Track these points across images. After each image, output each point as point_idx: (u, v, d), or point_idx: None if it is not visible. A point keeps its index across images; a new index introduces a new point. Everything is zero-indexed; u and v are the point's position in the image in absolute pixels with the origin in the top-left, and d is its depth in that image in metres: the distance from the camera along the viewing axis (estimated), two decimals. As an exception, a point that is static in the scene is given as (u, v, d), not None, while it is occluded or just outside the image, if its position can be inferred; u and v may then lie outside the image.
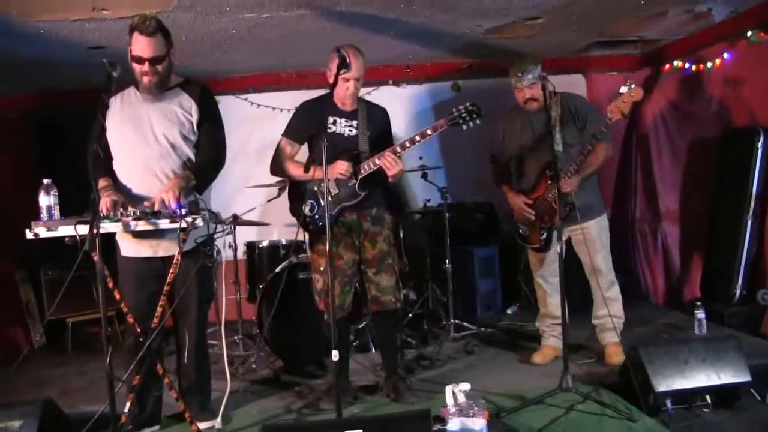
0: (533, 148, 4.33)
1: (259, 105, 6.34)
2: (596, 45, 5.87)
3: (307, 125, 3.87)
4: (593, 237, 4.32)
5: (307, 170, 3.36)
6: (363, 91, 6.18)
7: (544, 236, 4.33)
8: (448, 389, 3.19)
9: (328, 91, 3.74)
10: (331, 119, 3.84)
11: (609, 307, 4.31)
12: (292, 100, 6.37)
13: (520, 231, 4.49)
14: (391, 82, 6.41)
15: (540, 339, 4.66)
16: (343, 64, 3.47)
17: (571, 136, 4.25)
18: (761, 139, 4.88)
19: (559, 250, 3.76)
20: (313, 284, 3.94)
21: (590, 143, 4.06)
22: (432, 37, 5.17)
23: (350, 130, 3.83)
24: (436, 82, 6.50)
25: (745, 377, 3.44)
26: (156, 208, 3.08)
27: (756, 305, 4.73)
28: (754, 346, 4.15)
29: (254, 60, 5.59)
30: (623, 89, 3.93)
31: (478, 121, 3.70)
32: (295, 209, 3.90)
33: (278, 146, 3.91)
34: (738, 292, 4.94)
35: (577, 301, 4.54)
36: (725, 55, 5.21)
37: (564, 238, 4.33)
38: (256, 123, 6.23)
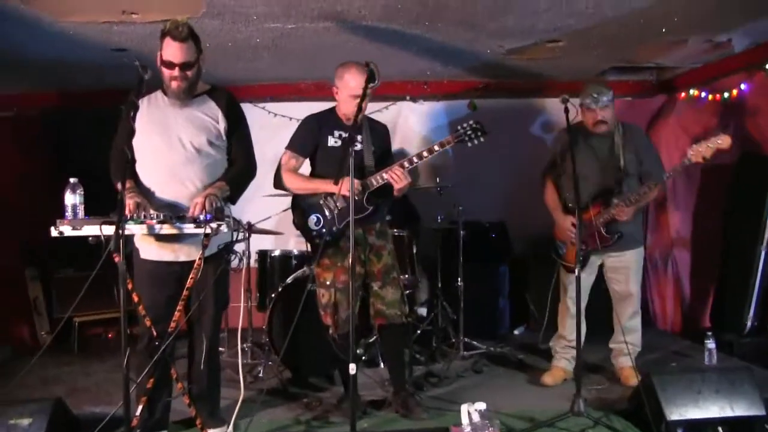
0: (592, 170, 4.35)
1: (276, 114, 6.36)
2: (612, 70, 5.89)
3: (311, 139, 3.90)
4: (632, 266, 4.40)
5: (337, 183, 3.36)
6: (380, 105, 6.30)
7: (581, 258, 4.34)
8: (464, 408, 3.19)
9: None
10: (336, 133, 3.86)
11: (629, 336, 4.34)
12: (309, 110, 6.26)
13: (558, 248, 4.51)
14: (408, 97, 6.43)
15: (551, 359, 4.66)
16: (372, 78, 3.47)
17: (631, 165, 4.31)
18: (776, 169, 4.90)
19: (577, 273, 3.79)
20: (318, 298, 3.93)
21: (659, 180, 4.19)
22: (452, 54, 5.19)
23: (355, 145, 3.83)
24: (453, 100, 6.52)
25: (759, 410, 3.41)
26: (195, 214, 3.10)
27: (768, 337, 4.72)
28: (766, 379, 4.11)
29: (275, 70, 5.62)
30: (712, 136, 3.99)
31: (482, 139, 3.77)
32: (298, 222, 3.91)
33: (282, 159, 3.94)
34: (749, 323, 4.94)
35: (594, 327, 4.57)
36: (742, 86, 5.24)
37: (599, 263, 4.40)
38: (272, 132, 6.21)
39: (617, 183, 4.28)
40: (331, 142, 3.86)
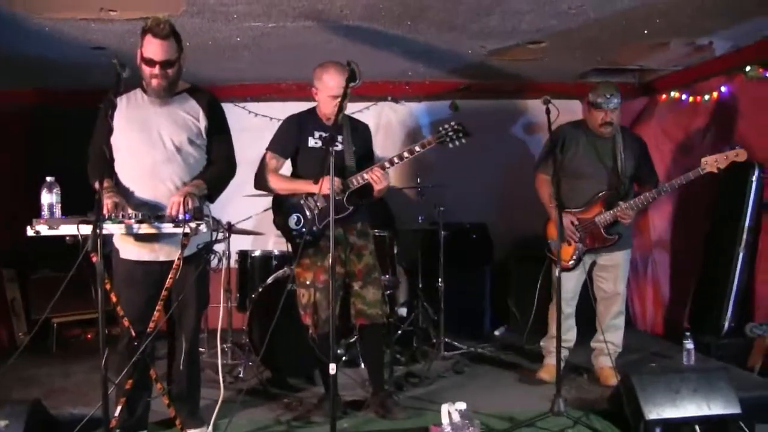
0: (594, 170, 4.39)
1: (257, 114, 6.35)
2: (594, 72, 5.91)
3: (292, 139, 3.90)
4: (621, 265, 4.48)
5: (315, 182, 3.33)
6: (361, 106, 6.29)
7: (575, 259, 4.40)
8: (444, 408, 3.19)
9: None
10: (316, 134, 3.86)
11: (612, 334, 4.43)
12: (290, 111, 6.23)
13: (551, 245, 4.51)
14: (390, 98, 6.44)
15: (544, 358, 4.71)
16: (353, 78, 3.46)
17: (629, 169, 4.38)
18: (755, 173, 4.95)
19: (557, 275, 3.81)
20: (298, 298, 3.91)
21: (667, 188, 4.26)
22: (434, 55, 5.19)
23: (336, 145, 3.83)
24: (434, 101, 6.53)
25: (735, 409, 3.45)
26: (173, 213, 3.08)
27: (744, 338, 4.75)
28: (741, 379, 4.16)
29: (256, 69, 5.59)
30: (728, 149, 4.10)
31: (464, 141, 3.76)
32: (278, 222, 3.90)
33: (263, 160, 3.92)
34: (727, 324, 4.97)
35: (581, 327, 4.64)
36: (722, 89, 5.27)
37: (589, 262, 4.46)
38: (253, 132, 6.16)
39: (619, 185, 4.34)
40: (312, 142, 3.85)
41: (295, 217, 3.80)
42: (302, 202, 3.80)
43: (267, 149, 3.93)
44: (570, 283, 4.45)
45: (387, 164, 3.72)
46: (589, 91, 4.38)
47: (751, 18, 4.27)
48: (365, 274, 3.88)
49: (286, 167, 4.01)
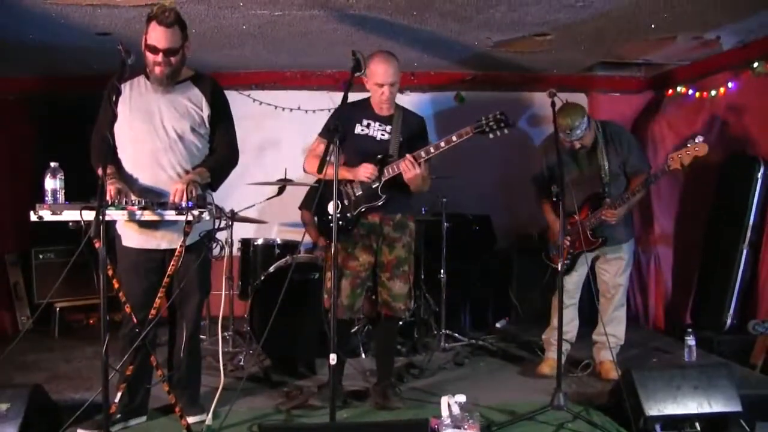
0: (577, 177, 4.42)
1: (261, 102, 6.33)
2: (601, 65, 5.90)
3: (339, 125, 3.86)
4: (623, 257, 4.49)
5: (320, 170, 3.31)
6: (365, 95, 6.25)
7: (568, 261, 4.41)
8: (444, 400, 3.19)
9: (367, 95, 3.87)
10: (365, 122, 3.86)
11: (614, 327, 4.45)
12: (294, 99, 6.36)
13: (550, 251, 4.58)
14: (394, 88, 6.39)
15: (545, 351, 4.71)
16: (357, 67, 3.44)
17: (615, 165, 4.36)
18: (761, 170, 4.91)
19: (561, 269, 3.83)
20: (324, 282, 3.92)
21: (644, 185, 4.25)
22: (440, 46, 5.17)
23: (383, 134, 3.84)
24: (439, 92, 6.50)
25: (735, 407, 3.44)
26: (175, 200, 3.08)
27: (746, 335, 4.71)
28: (743, 376, 4.17)
29: (261, 57, 5.58)
30: (690, 142, 4.05)
31: (506, 131, 3.69)
32: (319, 208, 3.89)
33: (312, 144, 3.95)
34: (729, 320, 4.95)
35: (584, 320, 4.65)
36: (730, 84, 5.24)
37: (591, 257, 4.48)
38: (257, 120, 6.23)
39: (603, 187, 4.34)
40: (359, 129, 3.85)
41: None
42: (342, 188, 3.80)
43: (318, 135, 3.95)
44: (572, 278, 4.48)
45: (423, 153, 3.69)
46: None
47: (758, 12, 4.25)
48: (394, 267, 3.86)
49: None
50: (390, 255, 3.87)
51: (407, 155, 3.68)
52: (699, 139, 4.04)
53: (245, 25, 4.57)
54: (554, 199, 4.32)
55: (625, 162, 4.38)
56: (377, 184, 3.74)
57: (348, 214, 3.77)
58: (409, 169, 3.65)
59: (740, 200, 5.00)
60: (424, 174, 3.77)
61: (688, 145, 4.03)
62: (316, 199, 3.87)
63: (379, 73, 3.72)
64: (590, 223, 4.34)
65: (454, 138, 3.68)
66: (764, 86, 4.86)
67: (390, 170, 3.73)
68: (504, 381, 4.52)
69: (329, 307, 3.74)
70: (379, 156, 3.77)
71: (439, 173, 5.41)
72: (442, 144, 3.69)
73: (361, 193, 3.78)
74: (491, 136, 3.71)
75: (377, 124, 3.85)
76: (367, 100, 3.93)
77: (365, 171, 3.71)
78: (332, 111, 4.04)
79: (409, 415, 3.73)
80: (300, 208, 5.50)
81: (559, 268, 3.88)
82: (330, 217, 3.75)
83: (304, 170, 3.97)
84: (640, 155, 4.47)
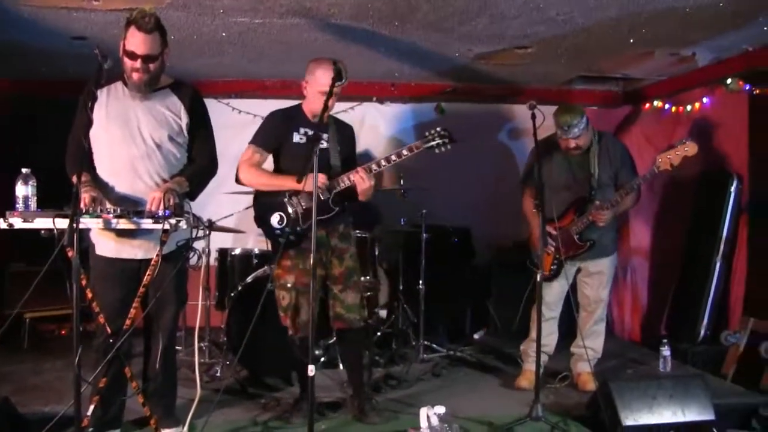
0: (569, 181, 4.43)
1: (240, 111, 6.29)
2: (579, 79, 5.96)
3: (276, 134, 3.82)
4: (605, 271, 4.50)
5: (300, 180, 3.27)
6: (346, 106, 6.26)
7: (554, 267, 4.42)
8: (422, 411, 3.18)
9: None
10: (302, 130, 3.79)
11: (592, 340, 4.46)
12: (274, 108, 6.31)
13: (535, 257, 4.51)
14: (375, 98, 6.40)
15: (522, 362, 4.70)
16: (339, 77, 3.44)
17: (606, 175, 4.38)
18: (734, 184, 4.99)
19: (538, 279, 3.81)
20: (278, 300, 3.84)
21: (631, 186, 4.26)
22: (421, 57, 5.18)
23: (321, 143, 3.77)
24: (420, 103, 6.51)
25: (709, 415, 3.52)
26: (152, 209, 3.03)
27: (719, 346, 4.79)
28: (716, 386, 4.20)
29: (240, 65, 5.54)
30: (677, 143, 4.11)
31: (449, 146, 3.75)
32: (260, 220, 3.82)
33: (245, 154, 3.84)
34: (703, 331, 5.02)
35: (562, 333, 4.67)
36: (704, 100, 5.33)
37: (574, 269, 4.47)
38: (236, 129, 6.14)
39: (590, 192, 4.35)
40: (296, 138, 3.78)
41: (278, 216, 3.73)
42: (286, 200, 3.72)
43: (250, 143, 3.84)
44: (553, 290, 4.47)
45: (374, 166, 3.67)
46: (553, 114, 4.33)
47: (732, 31, 4.32)
48: (345, 278, 3.84)
49: (268, 164, 3.95)
50: (340, 267, 3.84)
51: (359, 168, 3.67)
52: (687, 139, 4.10)
53: (225, 33, 4.53)
54: (535, 207, 4.35)
55: (617, 174, 4.40)
56: (328, 196, 3.70)
57: (297, 228, 3.69)
58: (361, 181, 3.64)
59: (714, 214, 5.07)
60: (373, 185, 3.72)
61: (677, 146, 4.07)
62: (256, 211, 3.83)
63: (326, 81, 3.53)
64: (577, 227, 4.34)
65: (404, 152, 3.69)
66: (737, 102, 4.95)
67: (342, 182, 3.69)
68: (482, 392, 4.52)
69: (289, 326, 3.72)
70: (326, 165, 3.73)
71: (419, 184, 5.42)
72: (393, 157, 3.69)
73: (310, 205, 3.57)
74: (437, 151, 3.75)
75: (313, 132, 3.72)
76: (298, 107, 3.87)
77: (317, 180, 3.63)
78: (264, 119, 3.96)
79: (387, 427, 3.71)
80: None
81: (539, 278, 3.89)
82: (277, 230, 3.72)
83: (238, 181, 3.85)
84: (633, 169, 4.48)
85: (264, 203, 3.80)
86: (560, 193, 4.43)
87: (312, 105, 3.75)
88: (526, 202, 4.62)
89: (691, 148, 4.05)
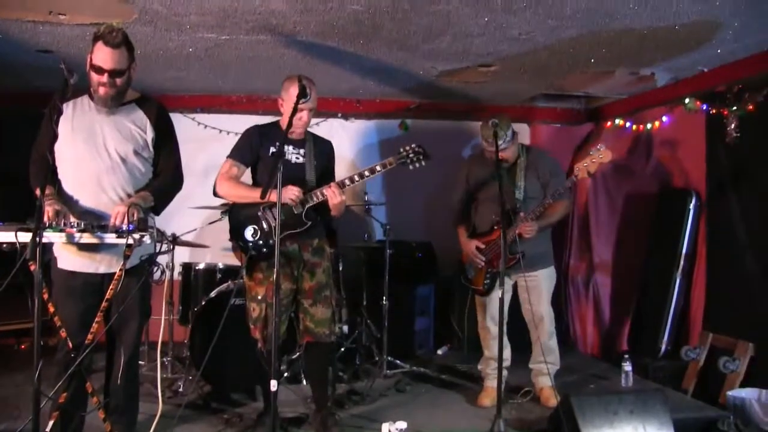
0: (494, 195, 4.37)
1: (206, 126, 6.29)
2: (542, 96, 6.07)
3: (253, 148, 3.86)
4: (540, 286, 4.48)
5: (264, 195, 3.30)
6: (312, 121, 6.27)
7: (488, 281, 4.42)
8: (385, 427, 3.20)
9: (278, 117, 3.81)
10: (277, 145, 3.81)
11: (547, 356, 4.44)
12: (240, 123, 6.22)
13: (467, 272, 4.57)
14: (340, 115, 6.44)
15: (483, 381, 4.71)
16: (303, 94, 3.47)
17: (533, 189, 4.41)
18: (692, 201, 5.12)
19: (501, 296, 3.84)
20: (248, 312, 3.85)
21: (552, 197, 4.26)
22: (386, 74, 5.24)
23: (297, 158, 3.83)
24: (384, 119, 6.57)
25: (669, 430, 3.56)
26: (116, 223, 3.01)
27: (680, 361, 4.87)
28: (676, 401, 4.27)
29: (206, 81, 5.55)
30: (593, 150, 4.15)
31: (423, 163, 3.80)
32: (234, 232, 3.82)
33: (222, 168, 3.86)
34: (663, 346, 5.11)
35: (517, 345, 4.68)
36: (664, 119, 5.46)
37: (512, 283, 4.46)
38: (201, 144, 6.15)
39: (515, 203, 4.36)
40: (271, 152, 3.81)
41: (252, 229, 3.73)
42: (260, 213, 3.74)
43: (228, 156, 3.87)
44: (494, 302, 4.42)
45: (347, 182, 3.71)
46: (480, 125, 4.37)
47: (687, 52, 4.46)
48: (316, 292, 3.84)
49: (246, 178, 3.96)
50: (311, 281, 3.85)
51: (332, 183, 3.71)
52: (602, 146, 4.17)
53: (192, 48, 4.54)
54: (476, 230, 4.39)
55: (545, 186, 4.42)
56: (300, 210, 3.73)
57: (270, 241, 3.69)
58: (334, 196, 3.67)
59: (674, 230, 5.19)
60: (344, 200, 3.76)
61: (592, 153, 4.16)
62: (231, 223, 3.84)
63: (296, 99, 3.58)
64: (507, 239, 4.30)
65: (378, 167, 3.74)
66: (695, 122, 5.06)
67: (315, 196, 3.72)
68: (445, 407, 4.54)
69: (259, 338, 3.72)
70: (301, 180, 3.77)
71: (382, 200, 5.46)
72: (366, 173, 3.73)
73: (283, 219, 3.61)
74: (411, 167, 3.80)
75: (290, 147, 3.80)
76: (276, 123, 3.93)
77: (290, 193, 3.65)
78: (242, 134, 3.99)
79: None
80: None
81: (500, 295, 3.90)
82: (250, 243, 3.73)
83: (216, 194, 3.87)
84: (562, 182, 4.44)
85: (238, 216, 3.80)
86: (485, 205, 4.48)
87: (287, 121, 3.78)
88: (460, 237, 4.68)
89: (605, 155, 4.14)
